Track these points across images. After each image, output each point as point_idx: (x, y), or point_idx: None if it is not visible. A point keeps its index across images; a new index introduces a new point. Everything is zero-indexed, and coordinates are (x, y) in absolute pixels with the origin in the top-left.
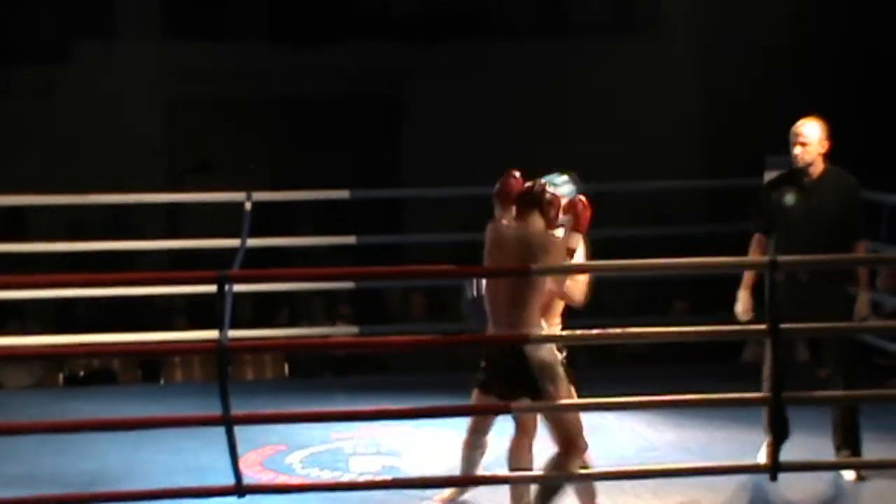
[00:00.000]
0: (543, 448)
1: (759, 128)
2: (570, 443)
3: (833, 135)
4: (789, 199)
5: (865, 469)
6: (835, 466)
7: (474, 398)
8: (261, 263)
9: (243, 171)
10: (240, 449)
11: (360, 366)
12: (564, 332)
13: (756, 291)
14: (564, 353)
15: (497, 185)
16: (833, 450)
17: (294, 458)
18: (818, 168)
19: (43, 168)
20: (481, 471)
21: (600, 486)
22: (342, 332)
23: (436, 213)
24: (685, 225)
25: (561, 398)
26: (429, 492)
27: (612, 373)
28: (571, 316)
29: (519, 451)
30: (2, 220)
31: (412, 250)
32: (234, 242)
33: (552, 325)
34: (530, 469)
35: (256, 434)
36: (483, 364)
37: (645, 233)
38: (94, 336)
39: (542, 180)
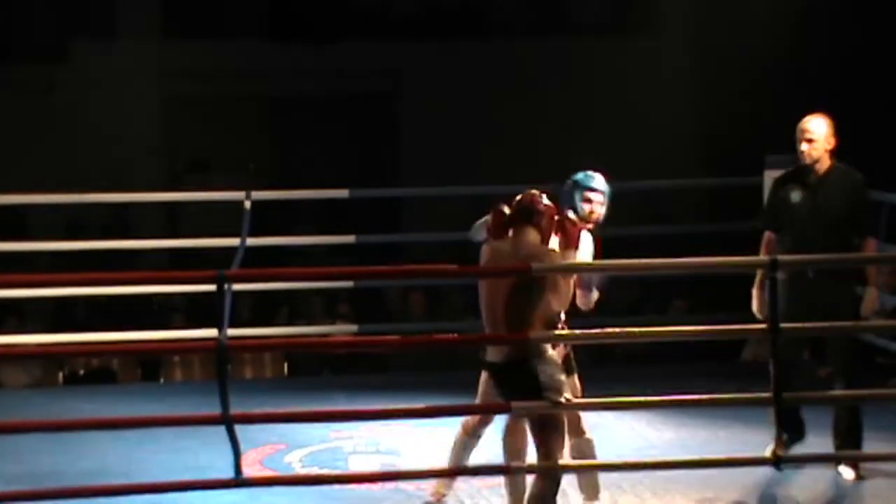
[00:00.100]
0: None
1: (759, 127)
2: (548, 452)
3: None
4: (795, 196)
5: (865, 467)
6: (836, 459)
7: (483, 380)
8: (260, 263)
9: (242, 171)
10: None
11: (360, 365)
12: (564, 332)
13: None
14: (568, 350)
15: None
16: (834, 449)
17: (293, 457)
18: (824, 165)
19: (42, 167)
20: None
21: (600, 486)
22: (341, 331)
23: (435, 212)
24: (685, 224)
25: (558, 415)
26: (428, 492)
27: (612, 372)
28: (570, 315)
29: (515, 432)
30: (1, 219)
31: (411, 250)
32: (233, 242)
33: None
34: (525, 450)
35: (256, 433)
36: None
37: (645, 232)
38: (93, 335)
39: (574, 178)
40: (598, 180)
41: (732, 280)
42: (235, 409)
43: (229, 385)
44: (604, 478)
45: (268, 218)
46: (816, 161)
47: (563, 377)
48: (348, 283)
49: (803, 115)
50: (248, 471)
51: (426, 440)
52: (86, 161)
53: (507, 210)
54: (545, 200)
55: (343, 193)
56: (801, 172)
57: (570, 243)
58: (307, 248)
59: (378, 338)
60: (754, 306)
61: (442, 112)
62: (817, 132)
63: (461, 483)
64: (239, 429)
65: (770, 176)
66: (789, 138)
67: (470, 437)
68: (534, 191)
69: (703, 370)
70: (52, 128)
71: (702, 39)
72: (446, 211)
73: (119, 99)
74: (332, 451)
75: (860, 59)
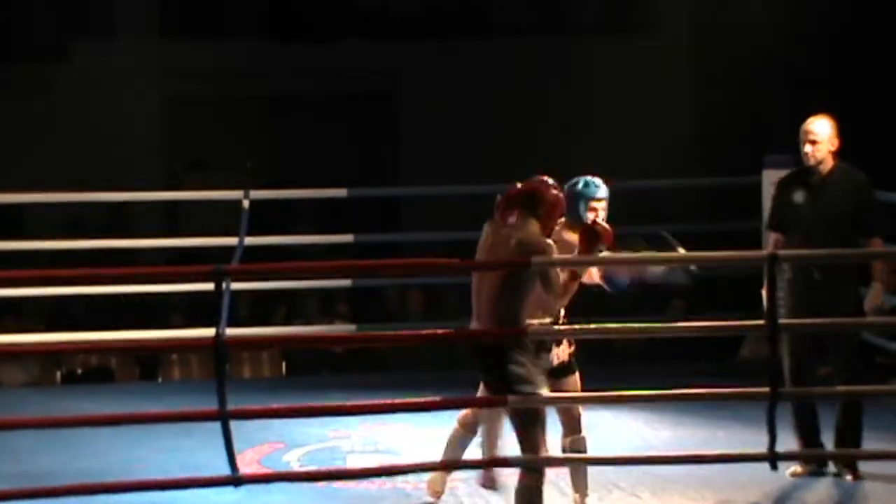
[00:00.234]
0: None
1: (759, 126)
2: (531, 445)
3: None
4: (799, 197)
5: (864, 467)
6: (832, 457)
7: (481, 390)
8: (259, 262)
9: (241, 170)
10: (237, 447)
11: (359, 364)
12: (562, 328)
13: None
14: (572, 349)
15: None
16: (834, 448)
17: (291, 456)
18: (827, 166)
19: (42, 167)
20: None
21: (597, 486)
22: (339, 330)
23: (434, 211)
24: (684, 224)
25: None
26: (426, 490)
27: (610, 370)
28: (568, 313)
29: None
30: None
31: (410, 249)
32: (232, 241)
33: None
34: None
35: (254, 432)
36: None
37: (644, 232)
38: (91, 334)
39: (576, 188)
40: (601, 189)
41: (731, 280)
42: (233, 407)
43: (227, 384)
44: (601, 477)
45: (267, 217)
46: (820, 162)
47: (537, 370)
48: (346, 283)
49: (803, 115)
50: (246, 470)
51: (425, 440)
52: (85, 161)
53: (518, 189)
54: (553, 189)
55: (341, 192)
56: (804, 173)
57: (589, 253)
58: (305, 247)
59: (375, 333)
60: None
61: (442, 112)
62: (821, 133)
63: (460, 482)
64: (237, 428)
65: (769, 175)
66: (788, 138)
67: (466, 432)
68: (544, 178)
69: (702, 369)
70: (52, 128)
71: (702, 39)
72: (445, 211)
73: (119, 99)
74: (330, 451)
75: (860, 59)
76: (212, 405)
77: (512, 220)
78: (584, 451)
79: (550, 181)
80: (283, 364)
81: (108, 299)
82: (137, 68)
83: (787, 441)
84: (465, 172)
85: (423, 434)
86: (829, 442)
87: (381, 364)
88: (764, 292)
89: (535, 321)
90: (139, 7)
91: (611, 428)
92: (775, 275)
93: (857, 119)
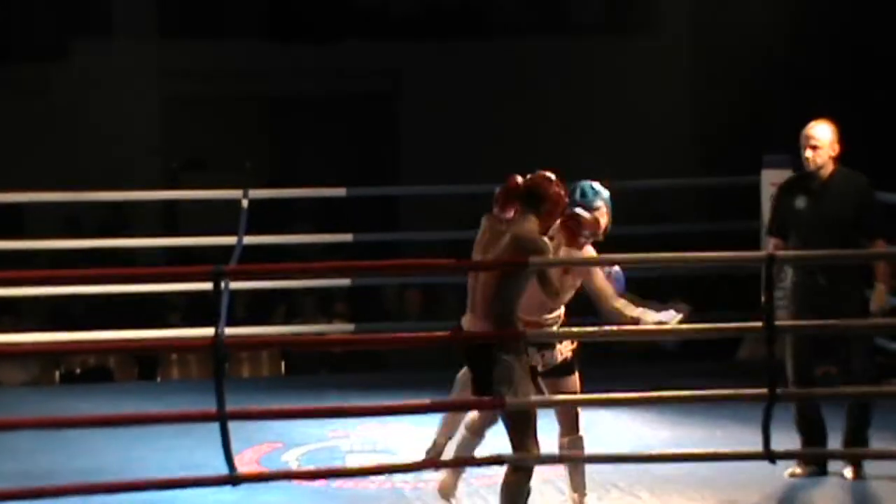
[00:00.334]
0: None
1: (759, 126)
2: (522, 445)
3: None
4: (800, 202)
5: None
6: (829, 456)
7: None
8: (258, 261)
9: (241, 170)
10: (236, 447)
11: (357, 364)
12: (561, 329)
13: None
14: (574, 346)
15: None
16: (842, 446)
17: (290, 456)
18: (828, 170)
19: (41, 166)
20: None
21: (595, 485)
22: (338, 329)
23: (432, 211)
24: (684, 223)
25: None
26: (424, 490)
27: (608, 370)
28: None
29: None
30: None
31: (408, 248)
32: (230, 240)
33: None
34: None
35: (253, 432)
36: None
37: (644, 232)
38: (90, 333)
39: (578, 197)
40: (598, 196)
41: (730, 280)
42: (232, 408)
43: (226, 384)
44: (600, 476)
45: (266, 217)
46: (820, 167)
47: (522, 371)
48: (345, 282)
49: (803, 115)
50: (245, 470)
51: (424, 439)
52: (85, 161)
53: (518, 182)
54: (555, 186)
55: (340, 192)
56: (805, 178)
57: (574, 243)
58: (304, 246)
59: (374, 335)
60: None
61: (442, 112)
62: (822, 139)
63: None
64: (236, 427)
65: (767, 175)
66: (788, 138)
67: (474, 437)
68: (546, 173)
69: (700, 369)
70: (52, 128)
71: (702, 39)
72: (445, 210)
73: (118, 99)
74: (329, 451)
75: (860, 59)
76: (211, 404)
77: (510, 214)
78: (582, 451)
79: (553, 177)
80: (282, 363)
81: (107, 299)
82: (137, 68)
83: (787, 442)
84: (465, 172)
85: (421, 434)
86: (833, 443)
87: (380, 363)
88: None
89: (534, 318)
90: (139, 7)
91: (609, 427)
92: (773, 276)
93: (857, 119)
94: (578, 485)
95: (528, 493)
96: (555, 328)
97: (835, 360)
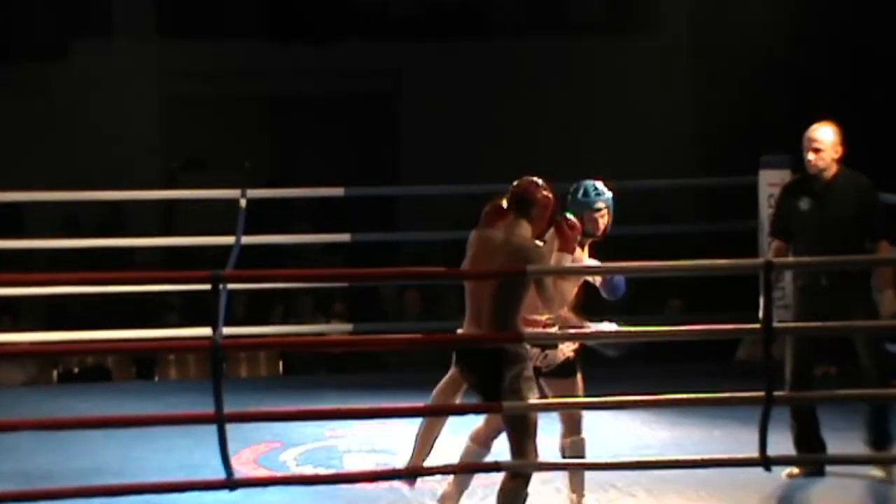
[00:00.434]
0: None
1: (758, 127)
2: (521, 451)
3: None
4: (803, 204)
5: (858, 465)
6: (825, 461)
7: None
8: (256, 261)
9: (240, 169)
10: (234, 446)
11: (355, 363)
12: (558, 331)
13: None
14: (574, 347)
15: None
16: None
17: (288, 456)
18: (831, 172)
19: (41, 166)
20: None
21: (594, 485)
22: (336, 330)
23: (431, 211)
24: (683, 224)
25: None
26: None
27: (606, 371)
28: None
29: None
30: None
31: (407, 248)
32: (229, 240)
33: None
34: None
35: (250, 431)
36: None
37: (643, 232)
38: (88, 333)
39: (578, 197)
40: (601, 197)
41: (728, 279)
42: (230, 408)
43: (224, 384)
44: (598, 476)
45: (266, 216)
46: (823, 170)
47: (529, 381)
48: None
49: (803, 115)
50: (243, 469)
51: None
52: (85, 161)
53: (503, 204)
54: (543, 190)
55: (338, 192)
56: (808, 180)
57: (567, 248)
58: (303, 246)
59: (373, 337)
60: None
61: (442, 112)
62: (824, 141)
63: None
64: (234, 427)
65: (765, 176)
66: (788, 138)
67: (481, 448)
68: (531, 178)
69: (699, 369)
70: (51, 128)
71: (702, 39)
72: (445, 210)
73: (118, 99)
74: (326, 450)
75: (860, 59)
76: (209, 404)
77: (503, 222)
78: (583, 454)
79: (540, 181)
80: (280, 363)
81: (105, 299)
82: (137, 68)
83: (783, 443)
84: (464, 172)
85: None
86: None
87: (378, 363)
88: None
89: (538, 317)
90: (138, 7)
91: (609, 428)
92: (770, 282)
93: (857, 119)
94: (577, 485)
95: (526, 498)
96: (555, 328)
97: (833, 360)
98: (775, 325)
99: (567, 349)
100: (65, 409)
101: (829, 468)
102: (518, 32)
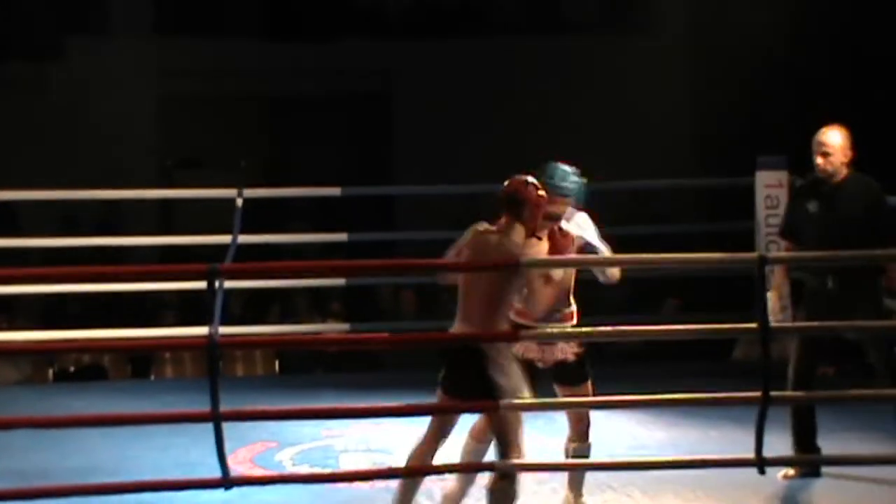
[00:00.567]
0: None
1: (758, 127)
2: (509, 446)
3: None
4: (813, 206)
5: (854, 465)
6: (820, 461)
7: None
8: (253, 260)
9: (236, 168)
10: (230, 446)
11: (352, 363)
12: (553, 331)
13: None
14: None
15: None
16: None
17: (284, 455)
18: (840, 175)
19: (38, 165)
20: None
21: (590, 486)
22: (333, 329)
23: (429, 210)
24: (683, 224)
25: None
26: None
27: (603, 371)
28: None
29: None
30: None
31: (404, 248)
32: (225, 239)
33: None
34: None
35: (247, 431)
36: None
37: (641, 231)
38: (84, 332)
39: (551, 171)
40: (568, 184)
41: (726, 278)
42: (226, 407)
43: (220, 383)
44: (594, 477)
45: (263, 216)
46: (832, 174)
47: (517, 377)
48: (340, 282)
49: (802, 115)
50: (239, 468)
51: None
52: (83, 159)
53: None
54: (534, 189)
55: (335, 191)
56: (817, 182)
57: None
58: (299, 245)
59: (369, 335)
60: (770, 309)
61: (440, 111)
62: (833, 145)
63: (451, 482)
64: (230, 426)
65: (762, 177)
66: (788, 138)
67: (479, 444)
68: (522, 177)
69: (695, 369)
70: (49, 126)
71: (701, 39)
72: (442, 210)
73: (116, 97)
74: (323, 450)
75: (860, 59)
76: (205, 403)
77: (498, 224)
78: (586, 458)
79: (530, 180)
80: (277, 362)
81: (102, 297)
82: (135, 67)
83: (779, 443)
84: (463, 172)
85: (416, 433)
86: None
87: (375, 363)
88: (769, 295)
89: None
90: (137, 5)
91: (605, 428)
92: (765, 277)
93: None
94: (576, 486)
95: (515, 496)
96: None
97: (832, 361)
98: (772, 324)
99: (567, 349)
100: (60, 407)
101: (824, 469)
102: (517, 32)
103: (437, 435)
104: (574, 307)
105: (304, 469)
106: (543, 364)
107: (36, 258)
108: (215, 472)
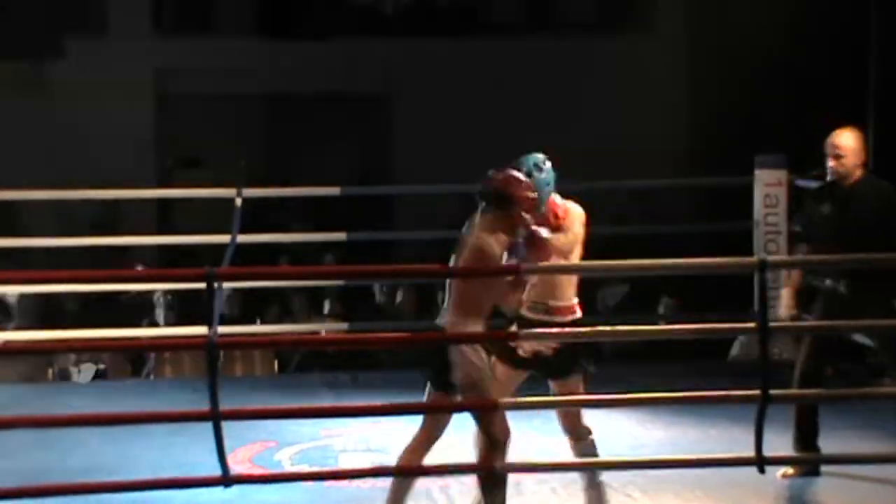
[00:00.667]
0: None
1: (757, 127)
2: (494, 443)
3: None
4: (825, 209)
5: (853, 464)
6: (820, 460)
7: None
8: (252, 259)
9: (235, 168)
10: (229, 445)
11: (351, 363)
12: (554, 331)
13: (798, 293)
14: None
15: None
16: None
17: (283, 455)
18: (853, 178)
19: (36, 164)
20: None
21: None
22: (331, 328)
23: (429, 209)
24: (682, 224)
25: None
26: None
27: (601, 370)
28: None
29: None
30: None
31: (403, 246)
32: (224, 238)
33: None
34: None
35: (246, 430)
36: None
37: (640, 231)
38: (83, 331)
39: (523, 158)
40: (539, 174)
41: (724, 278)
42: (225, 406)
43: (219, 382)
44: None
45: (262, 215)
46: (845, 177)
47: (486, 369)
48: (338, 281)
49: (802, 115)
50: (238, 468)
51: None
52: (81, 159)
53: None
54: (526, 190)
55: (335, 191)
56: (831, 185)
57: (538, 259)
58: (298, 245)
59: (367, 335)
60: (782, 308)
61: (438, 111)
62: (846, 147)
63: (452, 482)
64: (229, 426)
65: (761, 176)
66: (787, 138)
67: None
68: (514, 173)
69: (693, 368)
70: (47, 125)
71: (700, 39)
72: (440, 209)
73: (113, 96)
74: (322, 449)
75: (858, 60)
76: (204, 402)
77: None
78: (595, 457)
79: (522, 178)
80: (276, 363)
81: (100, 296)
82: (132, 66)
83: (778, 442)
84: (461, 171)
85: (414, 432)
86: (823, 443)
87: (373, 362)
88: (782, 292)
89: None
90: (135, 5)
91: (603, 427)
92: (766, 280)
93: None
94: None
95: (505, 480)
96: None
97: (831, 362)
98: (771, 324)
99: (543, 343)
100: (60, 406)
101: (824, 468)
102: (511, 30)
103: (429, 433)
104: (569, 301)
105: (304, 469)
106: (524, 353)
107: (36, 257)
108: (215, 472)
